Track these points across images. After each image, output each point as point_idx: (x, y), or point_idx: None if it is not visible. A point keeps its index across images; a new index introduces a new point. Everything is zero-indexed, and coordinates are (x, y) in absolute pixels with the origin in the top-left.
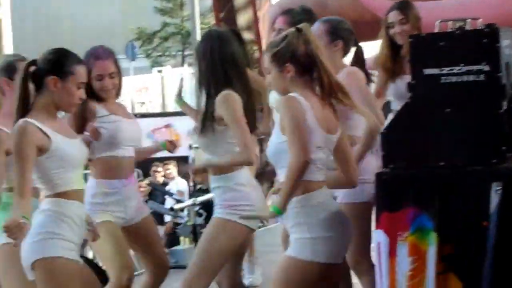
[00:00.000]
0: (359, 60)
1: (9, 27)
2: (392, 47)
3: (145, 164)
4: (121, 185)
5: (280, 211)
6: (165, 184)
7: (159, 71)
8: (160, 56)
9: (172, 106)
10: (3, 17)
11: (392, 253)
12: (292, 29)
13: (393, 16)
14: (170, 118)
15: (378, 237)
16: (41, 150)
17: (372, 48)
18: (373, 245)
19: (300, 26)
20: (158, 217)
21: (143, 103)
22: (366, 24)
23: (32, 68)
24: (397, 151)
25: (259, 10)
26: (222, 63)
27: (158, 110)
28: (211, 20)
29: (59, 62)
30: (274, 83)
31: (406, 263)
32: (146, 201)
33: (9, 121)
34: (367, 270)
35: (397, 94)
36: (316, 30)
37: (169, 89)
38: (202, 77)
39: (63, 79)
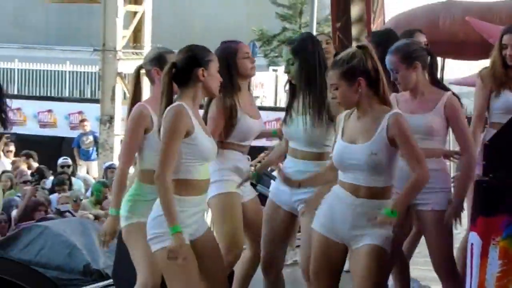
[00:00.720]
0: (431, 73)
1: (149, 21)
2: (504, 65)
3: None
4: None
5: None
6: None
7: (274, 70)
8: (276, 56)
9: (284, 102)
10: (146, 11)
11: (483, 254)
12: (355, 47)
13: (508, 39)
14: (281, 113)
15: (472, 239)
16: (185, 135)
17: (475, 66)
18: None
19: (361, 43)
20: (265, 200)
21: (257, 97)
22: (473, 44)
23: (174, 70)
24: (498, 161)
25: (372, 23)
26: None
27: (271, 104)
28: (325, 28)
29: (200, 55)
30: (343, 98)
31: (496, 265)
32: (255, 185)
33: (156, 106)
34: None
35: (503, 107)
36: (391, 61)
37: (281, 87)
38: None
39: (207, 68)
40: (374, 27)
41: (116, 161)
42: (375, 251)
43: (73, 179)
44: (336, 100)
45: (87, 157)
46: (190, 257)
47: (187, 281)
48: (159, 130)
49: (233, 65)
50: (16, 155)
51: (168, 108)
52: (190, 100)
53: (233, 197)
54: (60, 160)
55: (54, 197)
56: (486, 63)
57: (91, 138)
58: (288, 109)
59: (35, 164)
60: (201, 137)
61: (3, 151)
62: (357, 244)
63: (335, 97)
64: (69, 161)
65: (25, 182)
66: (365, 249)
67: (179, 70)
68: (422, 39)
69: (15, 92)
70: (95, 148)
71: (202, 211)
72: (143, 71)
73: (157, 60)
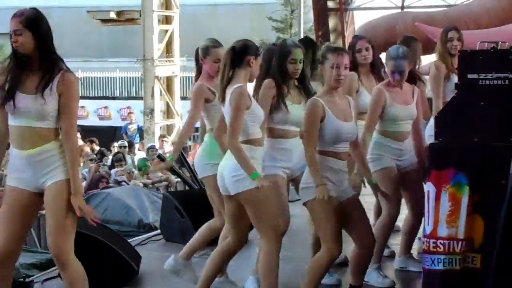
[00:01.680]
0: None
1: (177, 36)
2: (450, 55)
3: None
4: None
5: None
6: None
7: None
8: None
9: None
10: (174, 29)
11: (437, 198)
12: None
13: (452, 34)
14: None
15: (428, 187)
16: (246, 109)
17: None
18: None
19: None
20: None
21: None
22: (422, 45)
23: (232, 52)
24: (445, 129)
25: (346, 31)
26: None
27: None
28: (311, 36)
29: (253, 47)
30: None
31: (446, 206)
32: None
33: (211, 82)
34: None
35: (453, 89)
36: (403, 65)
37: None
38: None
39: (256, 58)
40: (347, 34)
41: (157, 143)
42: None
43: (126, 156)
44: (342, 78)
45: (130, 141)
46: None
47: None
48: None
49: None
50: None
51: (233, 89)
52: (243, 80)
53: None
54: (119, 142)
55: (113, 171)
56: (430, 57)
57: (135, 126)
58: (282, 101)
59: (96, 148)
60: (255, 108)
61: None
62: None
63: (342, 75)
64: (125, 143)
65: (90, 160)
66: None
67: (236, 54)
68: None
69: (80, 94)
70: (138, 134)
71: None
72: None
73: (203, 50)
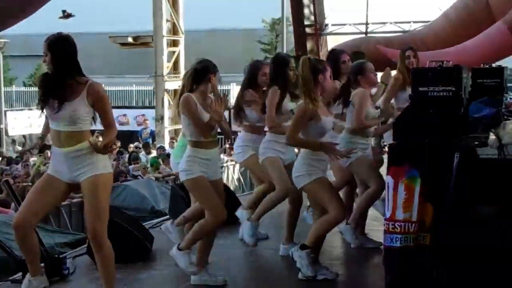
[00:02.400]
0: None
1: (183, 57)
2: (407, 70)
3: None
4: None
5: None
6: None
7: None
8: None
9: None
10: (181, 50)
11: (395, 189)
12: None
13: (409, 52)
14: None
15: (388, 180)
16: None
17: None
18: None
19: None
20: None
21: None
22: (381, 61)
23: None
24: (401, 132)
25: (321, 51)
26: None
27: None
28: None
29: (211, 66)
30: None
31: (402, 195)
32: None
33: None
34: None
35: (406, 98)
36: None
37: None
38: None
39: (215, 75)
40: (321, 54)
41: (166, 144)
42: None
43: (140, 155)
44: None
45: (145, 143)
46: None
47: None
48: None
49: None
50: None
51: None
52: (203, 93)
53: None
54: (135, 144)
55: (131, 167)
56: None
57: (148, 130)
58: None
59: (119, 147)
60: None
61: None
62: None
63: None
64: (140, 144)
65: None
66: None
67: (198, 72)
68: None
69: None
70: (151, 137)
71: None
72: None
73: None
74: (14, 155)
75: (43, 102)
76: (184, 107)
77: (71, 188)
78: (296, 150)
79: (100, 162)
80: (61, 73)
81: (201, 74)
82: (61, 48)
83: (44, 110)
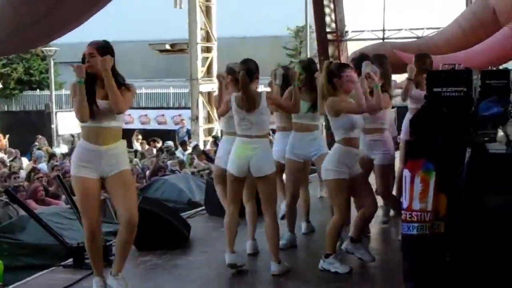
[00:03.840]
0: None
1: (215, 62)
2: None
3: None
4: None
5: None
6: None
7: None
8: None
9: None
10: (214, 56)
11: (412, 182)
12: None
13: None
14: None
15: (405, 173)
16: None
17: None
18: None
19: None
20: None
21: None
22: (398, 65)
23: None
24: (418, 128)
25: (341, 56)
26: None
27: None
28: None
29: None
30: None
31: (418, 187)
32: None
33: None
34: None
35: (417, 99)
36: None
37: None
38: None
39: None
40: (342, 59)
41: (201, 142)
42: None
43: (177, 152)
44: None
45: (182, 141)
46: None
47: None
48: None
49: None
50: (143, 142)
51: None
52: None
53: None
54: (168, 143)
55: (168, 163)
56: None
57: (184, 130)
58: None
59: (158, 145)
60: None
61: (135, 139)
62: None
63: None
64: (171, 144)
65: (151, 156)
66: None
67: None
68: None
69: (143, 106)
70: (187, 136)
71: None
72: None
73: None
74: (63, 151)
75: (89, 100)
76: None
77: (101, 183)
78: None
79: (126, 158)
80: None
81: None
82: (108, 52)
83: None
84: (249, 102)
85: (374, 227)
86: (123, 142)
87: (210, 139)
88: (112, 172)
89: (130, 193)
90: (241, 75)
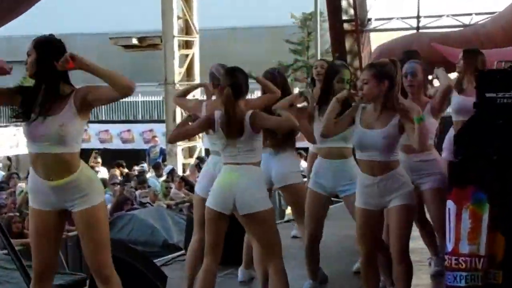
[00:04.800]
0: None
1: (197, 61)
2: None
3: None
4: None
5: None
6: None
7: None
8: (291, 81)
9: None
10: (195, 53)
11: (458, 216)
12: (388, 60)
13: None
14: None
15: (449, 205)
16: None
17: None
18: None
19: (392, 59)
20: None
21: None
22: (435, 62)
23: None
24: (464, 147)
25: (362, 52)
26: None
27: None
28: (328, 58)
29: None
30: (368, 91)
31: (467, 223)
32: None
33: None
34: None
35: (462, 109)
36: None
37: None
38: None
39: None
40: (363, 55)
41: (179, 165)
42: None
43: (149, 178)
44: (363, 92)
45: (155, 164)
46: None
47: None
48: None
49: None
50: (103, 165)
51: None
52: None
53: None
54: (140, 166)
55: (137, 193)
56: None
57: (157, 149)
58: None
59: (125, 170)
60: None
61: (93, 162)
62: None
63: (361, 89)
64: (145, 166)
65: (113, 184)
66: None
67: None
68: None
69: (103, 119)
70: (161, 158)
71: None
72: None
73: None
74: None
75: (21, 116)
76: None
77: (66, 216)
78: None
79: (95, 190)
80: (48, 78)
81: None
82: (47, 48)
83: (22, 127)
84: (232, 127)
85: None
86: (81, 173)
87: (192, 161)
88: (74, 208)
89: (98, 236)
90: (225, 92)
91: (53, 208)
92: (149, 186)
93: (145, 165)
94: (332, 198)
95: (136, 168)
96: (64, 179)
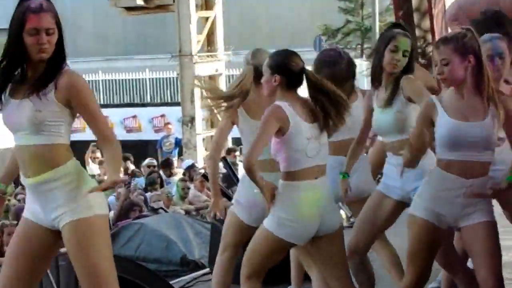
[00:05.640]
0: None
1: (221, 25)
2: None
3: None
4: None
5: None
6: None
7: None
8: (342, 49)
9: None
10: (217, 15)
11: None
12: (462, 29)
13: None
14: None
15: None
16: None
17: None
18: None
19: (465, 27)
20: None
21: None
22: None
23: None
24: None
25: (434, 8)
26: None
27: None
28: (388, 18)
29: None
30: (452, 73)
31: None
32: None
33: None
34: None
35: None
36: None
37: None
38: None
39: None
40: (435, 12)
41: (200, 159)
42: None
43: (163, 176)
44: (443, 76)
45: (166, 159)
46: None
47: None
48: None
49: None
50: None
51: None
52: None
53: None
54: (147, 161)
55: (148, 195)
56: None
57: (171, 140)
58: None
59: (132, 166)
60: None
61: (91, 157)
62: (468, 221)
63: (441, 73)
64: (154, 161)
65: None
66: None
67: None
68: None
69: (101, 102)
70: (176, 150)
71: None
72: None
73: None
74: None
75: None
76: None
77: (57, 237)
78: None
79: (88, 197)
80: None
81: None
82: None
83: None
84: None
85: None
86: (64, 171)
87: None
88: (61, 222)
89: (89, 263)
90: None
91: (42, 223)
92: (161, 187)
93: (152, 161)
94: None
95: (144, 164)
96: (42, 175)
